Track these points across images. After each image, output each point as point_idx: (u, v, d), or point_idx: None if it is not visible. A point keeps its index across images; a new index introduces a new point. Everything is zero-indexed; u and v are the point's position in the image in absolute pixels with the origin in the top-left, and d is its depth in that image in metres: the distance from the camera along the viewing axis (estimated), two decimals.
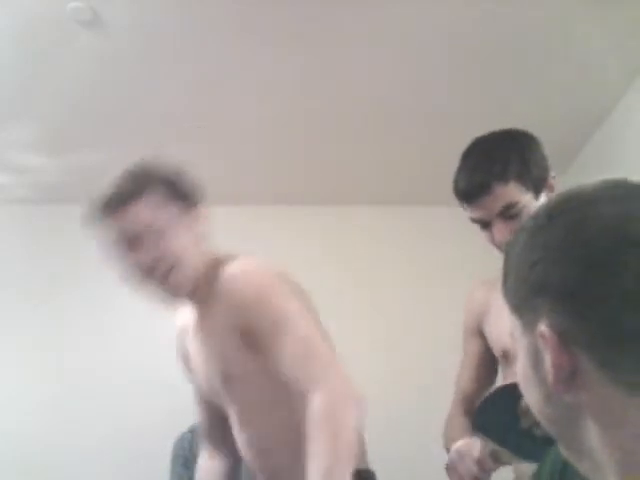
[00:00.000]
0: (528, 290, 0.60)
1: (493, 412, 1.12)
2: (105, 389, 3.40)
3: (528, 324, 0.60)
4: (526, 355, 0.62)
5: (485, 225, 1.36)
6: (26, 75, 2.74)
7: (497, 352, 1.47)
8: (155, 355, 3.44)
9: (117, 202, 1.25)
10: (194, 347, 1.37)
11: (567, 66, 2.81)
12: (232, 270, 1.23)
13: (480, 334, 1.53)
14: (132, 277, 1.28)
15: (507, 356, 1.41)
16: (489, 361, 1.53)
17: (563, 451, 0.63)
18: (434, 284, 3.61)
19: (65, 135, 3.18)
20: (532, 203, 1.33)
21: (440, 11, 2.45)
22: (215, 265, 1.28)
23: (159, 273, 1.24)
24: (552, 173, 1.43)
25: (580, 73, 2.86)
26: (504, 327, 1.41)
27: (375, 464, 1.47)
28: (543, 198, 1.37)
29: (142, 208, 1.24)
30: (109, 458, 3.28)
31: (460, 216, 1.46)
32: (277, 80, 2.83)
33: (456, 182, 1.38)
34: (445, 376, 1.68)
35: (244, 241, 3.68)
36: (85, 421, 3.36)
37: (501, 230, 1.32)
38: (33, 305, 3.57)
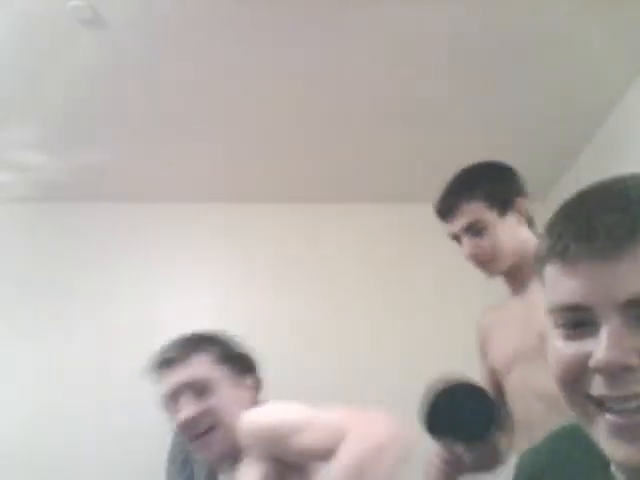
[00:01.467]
0: None
1: (440, 417, 1.29)
2: (104, 386, 3.42)
3: None
4: None
5: (458, 240, 1.54)
6: (27, 74, 2.75)
7: (498, 374, 1.61)
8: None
9: (174, 358, 1.30)
10: None
11: (567, 66, 2.81)
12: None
13: (486, 357, 1.69)
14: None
15: (502, 374, 1.57)
16: (496, 381, 1.66)
17: None
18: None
19: (66, 134, 3.19)
20: (497, 221, 1.50)
21: (441, 12, 2.45)
22: None
23: (198, 429, 1.24)
24: (523, 199, 1.59)
25: (580, 73, 2.86)
26: (504, 349, 1.53)
27: None
28: (511, 219, 1.54)
29: (197, 363, 1.28)
30: (107, 454, 3.29)
31: None
32: (277, 79, 2.83)
33: (434, 204, 1.58)
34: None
35: (246, 239, 3.74)
36: (85, 417, 3.37)
37: (468, 244, 1.49)
38: (34, 303, 3.58)
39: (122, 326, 3.57)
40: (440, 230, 1.62)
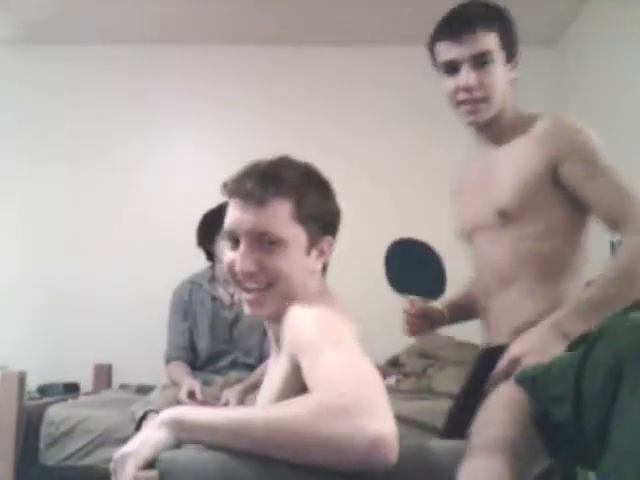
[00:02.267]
0: None
1: (392, 271, 1.43)
2: (115, 245, 3.50)
3: None
4: None
5: (452, 70, 1.41)
6: None
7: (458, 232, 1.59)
8: (157, 216, 3.51)
9: (259, 195, 1.11)
10: None
11: None
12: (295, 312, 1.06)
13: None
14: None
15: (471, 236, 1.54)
16: None
17: None
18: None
19: None
20: (501, 66, 1.42)
21: None
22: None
23: (253, 284, 1.12)
24: (518, 58, 1.48)
25: None
26: (464, 217, 1.52)
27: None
28: (510, 69, 1.45)
29: (271, 213, 1.10)
30: (117, 301, 3.42)
31: None
32: None
33: (443, 19, 1.44)
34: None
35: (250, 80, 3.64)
36: (97, 268, 3.48)
37: (468, 75, 1.38)
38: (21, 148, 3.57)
39: (119, 175, 3.58)
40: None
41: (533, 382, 0.85)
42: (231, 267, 1.12)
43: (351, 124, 3.60)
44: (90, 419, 2.46)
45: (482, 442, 0.81)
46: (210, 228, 2.69)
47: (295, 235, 1.11)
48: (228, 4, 3.30)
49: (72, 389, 3.10)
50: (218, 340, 2.66)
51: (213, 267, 2.77)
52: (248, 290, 1.12)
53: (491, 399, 0.89)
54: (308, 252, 1.14)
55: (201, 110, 3.65)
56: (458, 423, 1.36)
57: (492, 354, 1.35)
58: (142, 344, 3.15)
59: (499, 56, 1.40)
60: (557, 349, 1.13)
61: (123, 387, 3.16)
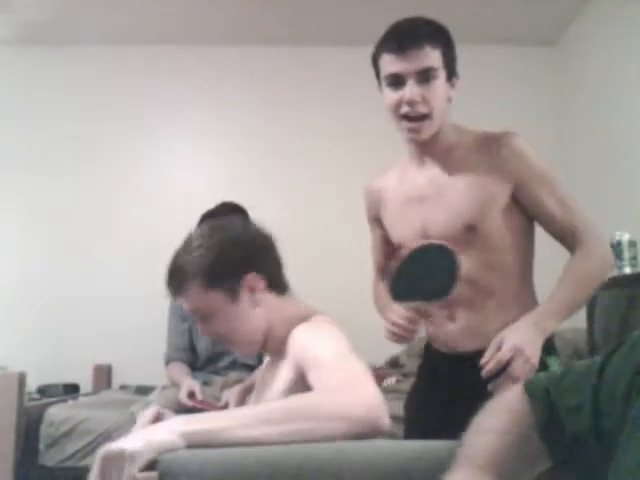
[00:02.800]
0: None
1: (401, 281, 1.32)
2: (115, 246, 3.50)
3: None
4: None
5: (397, 83, 1.43)
6: None
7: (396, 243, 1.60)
8: (156, 216, 3.51)
9: (173, 291, 1.33)
10: None
11: None
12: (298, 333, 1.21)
13: (379, 223, 1.65)
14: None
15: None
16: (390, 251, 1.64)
17: None
18: None
19: None
20: (443, 83, 1.44)
21: None
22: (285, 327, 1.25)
23: (225, 344, 1.34)
24: (455, 81, 1.50)
25: None
26: (416, 228, 1.49)
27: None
28: (449, 90, 1.46)
29: (189, 298, 1.28)
30: (117, 302, 3.42)
31: None
32: None
33: (390, 31, 1.45)
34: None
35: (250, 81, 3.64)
36: (97, 268, 3.48)
37: (412, 90, 1.40)
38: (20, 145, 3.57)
39: (118, 175, 3.57)
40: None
41: (546, 393, 0.84)
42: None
43: (351, 124, 3.60)
44: (90, 420, 2.46)
45: (470, 453, 0.81)
46: None
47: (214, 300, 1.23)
48: (228, 4, 3.30)
49: (72, 390, 3.10)
50: (217, 341, 2.65)
51: None
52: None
53: (492, 404, 0.88)
54: (235, 302, 1.25)
55: (201, 110, 3.65)
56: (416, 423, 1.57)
57: (464, 359, 1.40)
58: (142, 345, 3.15)
59: (442, 73, 1.43)
60: (540, 344, 1.30)
61: (123, 388, 3.16)
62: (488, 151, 1.44)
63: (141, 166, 3.61)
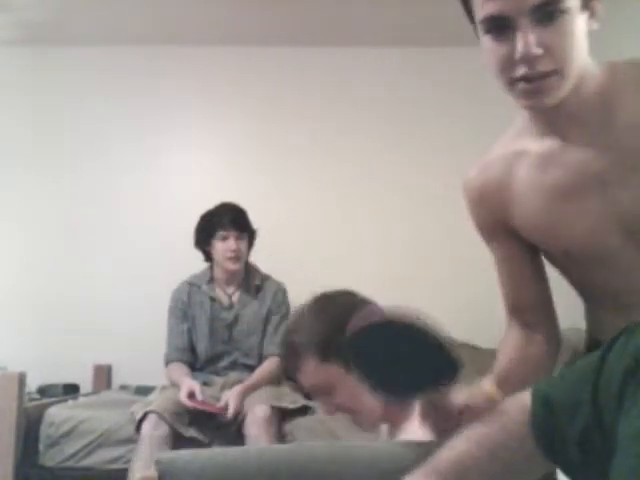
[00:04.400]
0: None
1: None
2: (115, 246, 3.49)
3: None
4: None
5: (502, 28, 0.94)
6: None
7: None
8: (157, 217, 3.51)
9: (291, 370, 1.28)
10: None
11: None
12: None
13: (507, 231, 1.15)
14: None
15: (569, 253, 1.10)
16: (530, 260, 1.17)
17: None
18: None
19: None
20: (576, 15, 0.93)
21: None
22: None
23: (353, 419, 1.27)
24: None
25: None
26: (538, 211, 1.05)
27: None
28: (587, 22, 0.97)
29: (305, 374, 1.24)
30: (117, 302, 3.42)
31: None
32: None
33: None
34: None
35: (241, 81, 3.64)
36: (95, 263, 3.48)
37: (528, 37, 0.91)
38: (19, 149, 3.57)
39: (116, 177, 3.57)
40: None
41: (547, 397, 0.80)
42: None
43: (351, 124, 3.60)
44: (90, 420, 2.46)
45: (437, 458, 0.80)
46: (207, 228, 2.71)
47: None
48: (228, 5, 3.29)
49: (72, 390, 3.10)
50: (217, 341, 2.66)
51: (212, 268, 2.77)
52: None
53: (492, 414, 0.85)
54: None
55: (200, 111, 3.65)
56: None
57: None
58: (142, 345, 3.15)
59: (572, 2, 0.92)
60: None
61: (123, 388, 3.16)
62: None
63: (141, 166, 3.60)
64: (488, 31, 0.95)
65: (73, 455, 2.40)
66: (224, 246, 2.66)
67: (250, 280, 2.76)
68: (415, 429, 1.08)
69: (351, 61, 3.62)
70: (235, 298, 2.72)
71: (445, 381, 0.90)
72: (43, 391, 2.99)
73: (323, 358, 1.18)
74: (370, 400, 1.14)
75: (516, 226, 1.13)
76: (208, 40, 3.57)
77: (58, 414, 2.49)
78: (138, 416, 2.28)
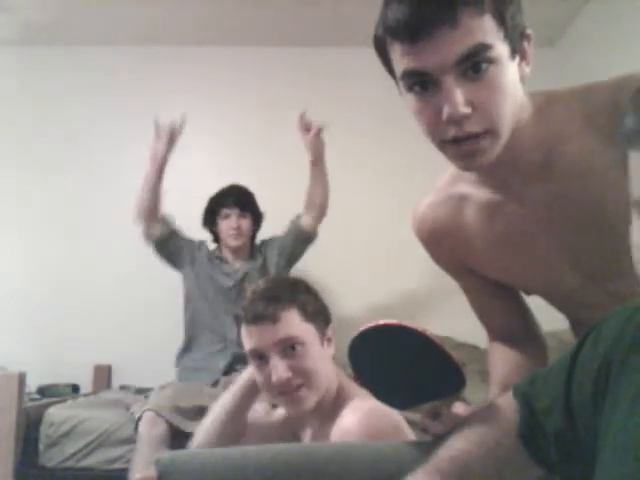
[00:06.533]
0: None
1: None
2: (116, 246, 3.49)
3: None
4: None
5: (427, 86, 0.85)
6: None
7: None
8: None
9: (269, 317, 1.27)
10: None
11: None
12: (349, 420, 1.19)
13: (466, 269, 1.12)
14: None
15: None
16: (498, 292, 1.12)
17: None
18: None
19: None
20: (506, 63, 0.84)
21: None
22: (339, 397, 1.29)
23: (302, 382, 1.27)
24: (528, 31, 0.89)
25: None
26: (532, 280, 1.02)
27: None
28: (516, 68, 0.87)
29: (285, 324, 1.26)
30: (117, 302, 3.42)
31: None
32: None
33: (394, 10, 0.91)
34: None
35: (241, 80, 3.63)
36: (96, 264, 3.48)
37: (453, 95, 0.81)
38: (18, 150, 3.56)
39: (115, 175, 3.57)
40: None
41: (526, 396, 0.80)
42: (267, 381, 1.24)
43: (351, 124, 3.60)
44: (90, 420, 2.45)
45: (438, 457, 0.80)
46: (213, 208, 2.81)
47: (308, 332, 1.26)
48: (227, 5, 3.30)
49: (72, 390, 3.10)
50: (219, 303, 2.69)
51: (219, 249, 2.87)
52: (285, 393, 1.24)
53: (482, 410, 0.85)
54: (322, 344, 1.28)
55: (200, 111, 3.64)
56: None
57: None
58: (142, 345, 3.15)
59: (501, 49, 0.82)
60: None
61: (123, 388, 3.16)
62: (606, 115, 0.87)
63: (141, 166, 3.60)
64: (410, 88, 0.87)
65: (73, 455, 2.39)
66: (227, 224, 2.78)
67: (255, 257, 2.85)
68: (355, 408, 1.19)
69: (351, 61, 3.61)
70: (240, 272, 2.78)
71: (449, 390, 0.87)
72: (43, 391, 2.99)
73: (305, 317, 1.26)
74: (331, 366, 1.29)
75: (474, 267, 1.10)
76: (210, 40, 3.58)
77: (58, 414, 2.48)
78: (137, 415, 2.28)
